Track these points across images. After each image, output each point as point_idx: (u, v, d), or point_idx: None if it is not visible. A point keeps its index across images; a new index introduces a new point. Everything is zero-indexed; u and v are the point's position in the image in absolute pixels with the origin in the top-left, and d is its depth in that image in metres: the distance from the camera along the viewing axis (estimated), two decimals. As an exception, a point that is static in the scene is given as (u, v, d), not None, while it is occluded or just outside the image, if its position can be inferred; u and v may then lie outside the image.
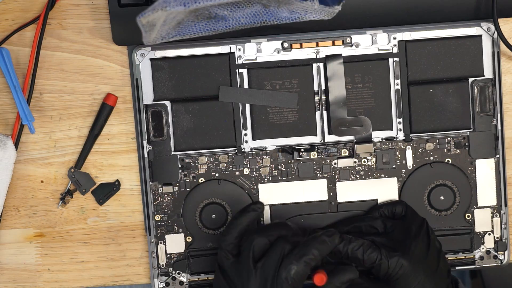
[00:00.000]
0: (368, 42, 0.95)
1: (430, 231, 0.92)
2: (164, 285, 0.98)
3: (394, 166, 0.97)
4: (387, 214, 0.95)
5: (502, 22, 0.97)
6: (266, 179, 0.97)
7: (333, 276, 0.87)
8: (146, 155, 0.96)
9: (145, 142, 0.95)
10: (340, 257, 0.90)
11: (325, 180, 0.97)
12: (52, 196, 0.98)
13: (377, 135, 0.97)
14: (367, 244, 0.89)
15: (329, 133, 0.96)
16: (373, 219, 0.94)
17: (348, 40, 0.95)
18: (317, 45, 0.95)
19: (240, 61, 0.95)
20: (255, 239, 0.88)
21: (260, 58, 0.95)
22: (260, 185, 0.97)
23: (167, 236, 0.97)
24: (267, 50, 0.95)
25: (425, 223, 0.92)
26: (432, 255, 0.91)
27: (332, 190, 0.97)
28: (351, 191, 0.97)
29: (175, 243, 0.97)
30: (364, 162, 0.97)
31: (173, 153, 0.96)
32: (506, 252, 0.98)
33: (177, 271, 0.98)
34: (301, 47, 0.95)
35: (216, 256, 0.91)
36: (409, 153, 0.97)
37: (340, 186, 0.97)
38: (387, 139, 0.97)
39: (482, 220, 0.98)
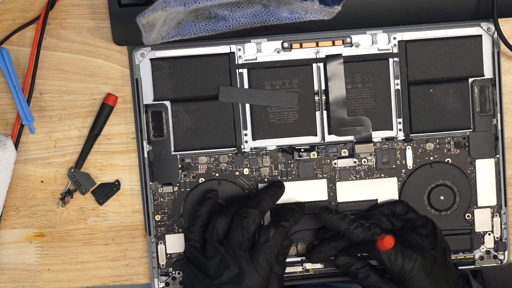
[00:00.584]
0: (368, 42, 0.95)
1: (436, 228, 0.92)
2: (164, 285, 0.98)
3: (394, 166, 0.97)
4: (387, 213, 0.95)
5: (502, 22, 0.97)
6: (266, 179, 0.97)
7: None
8: (146, 155, 0.96)
9: (145, 142, 0.95)
10: (356, 244, 0.91)
11: (325, 180, 0.97)
12: (52, 196, 0.98)
13: (377, 135, 0.97)
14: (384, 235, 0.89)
15: (329, 133, 0.96)
16: (379, 217, 0.94)
17: (348, 40, 0.95)
18: (317, 45, 0.95)
19: (240, 61, 0.95)
20: (216, 220, 0.90)
21: (260, 58, 0.95)
22: (260, 185, 0.97)
23: (167, 236, 0.97)
24: (267, 50, 0.95)
25: (431, 221, 0.92)
26: (441, 251, 0.91)
27: (332, 190, 0.97)
28: (351, 191, 0.97)
29: (175, 243, 0.97)
30: (364, 162, 0.97)
31: (173, 153, 0.96)
32: (506, 252, 0.98)
33: (177, 271, 0.98)
34: (301, 47, 0.95)
35: (184, 254, 0.94)
36: (409, 153, 0.97)
37: (340, 186, 0.97)
38: (387, 139, 0.97)
39: (482, 220, 0.98)
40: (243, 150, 0.96)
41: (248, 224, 0.89)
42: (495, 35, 0.95)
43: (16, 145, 0.96)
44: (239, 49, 0.95)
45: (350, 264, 0.91)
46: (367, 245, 0.90)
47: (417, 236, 0.90)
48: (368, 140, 0.96)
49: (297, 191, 0.97)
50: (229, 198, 0.96)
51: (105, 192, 0.98)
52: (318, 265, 0.98)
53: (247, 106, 0.96)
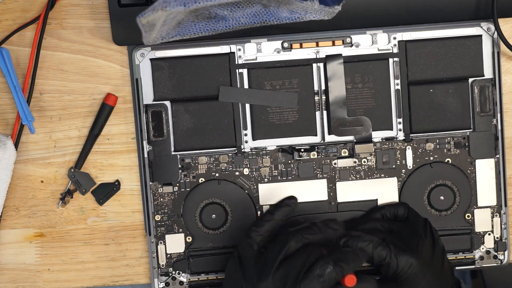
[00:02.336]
0: (368, 42, 0.95)
1: (434, 230, 0.92)
2: (164, 285, 0.98)
3: (394, 166, 0.97)
4: (389, 216, 0.95)
5: (502, 22, 0.97)
6: (266, 179, 0.97)
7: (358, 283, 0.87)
8: (146, 155, 0.96)
9: (145, 142, 0.95)
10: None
11: (325, 180, 0.97)
12: (52, 196, 0.98)
13: (377, 135, 0.97)
14: (377, 241, 0.89)
15: (329, 133, 0.96)
16: (376, 221, 0.94)
17: (348, 40, 0.95)
18: (317, 45, 0.95)
19: (240, 61, 0.95)
20: (290, 240, 0.87)
21: (260, 58, 0.95)
22: (260, 185, 0.97)
23: (167, 236, 0.97)
24: (267, 50, 0.95)
25: (428, 223, 0.92)
26: (438, 254, 0.91)
27: (332, 190, 0.97)
28: (351, 191, 0.97)
29: (175, 243, 0.97)
30: (364, 162, 0.97)
31: (173, 153, 0.96)
32: (506, 252, 0.98)
33: (177, 271, 0.98)
34: (301, 47, 0.95)
35: (237, 247, 0.90)
36: (409, 153, 0.97)
37: (340, 186, 0.97)
38: (387, 139, 0.97)
39: (482, 220, 0.98)
40: (243, 150, 0.96)
41: (314, 255, 0.86)
42: (495, 35, 0.95)
43: (16, 145, 0.96)
44: (239, 49, 0.95)
45: None
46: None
47: (414, 238, 0.90)
48: (368, 140, 0.96)
49: (297, 191, 0.97)
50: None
51: (105, 192, 0.98)
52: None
53: (247, 106, 0.96)
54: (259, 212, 0.97)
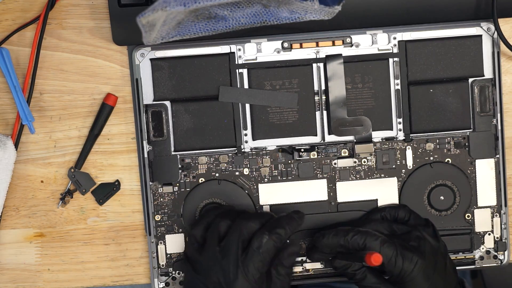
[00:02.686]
0: (368, 42, 0.95)
1: (436, 231, 0.92)
2: (164, 285, 0.98)
3: (394, 166, 0.97)
4: (389, 218, 0.95)
5: (502, 22, 0.97)
6: (266, 179, 0.97)
7: (277, 259, 0.89)
8: (146, 155, 0.96)
9: (145, 142, 0.95)
10: (356, 250, 0.90)
11: (325, 180, 0.97)
12: (52, 196, 0.98)
13: (377, 135, 0.97)
14: (384, 239, 0.89)
15: (329, 133, 0.96)
16: (377, 222, 0.93)
17: (348, 40, 0.95)
18: (317, 45, 0.95)
19: (240, 61, 0.95)
20: (219, 222, 0.90)
21: (260, 58, 0.95)
22: (260, 185, 0.97)
23: (167, 236, 0.97)
24: (267, 50, 0.95)
25: (430, 223, 0.92)
26: (441, 255, 0.91)
27: (332, 190, 0.97)
28: (351, 191, 0.97)
29: (175, 243, 0.97)
30: (364, 162, 0.97)
31: (173, 153, 0.96)
32: (506, 252, 0.98)
33: (177, 271, 0.98)
34: (301, 47, 0.95)
35: (184, 251, 0.94)
36: (409, 153, 0.97)
37: (340, 186, 0.97)
38: (387, 139, 0.97)
39: (482, 220, 0.98)
40: (243, 150, 0.96)
41: (246, 229, 0.89)
42: (495, 35, 0.95)
43: (16, 145, 0.96)
44: (239, 49, 0.95)
45: (347, 266, 0.91)
46: (359, 255, 0.90)
47: (418, 240, 0.90)
48: (368, 140, 0.96)
49: (297, 191, 0.97)
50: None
51: (105, 192, 0.98)
52: (318, 265, 0.98)
53: (247, 106, 0.96)
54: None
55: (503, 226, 0.98)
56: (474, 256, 0.98)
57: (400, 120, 0.96)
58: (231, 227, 0.90)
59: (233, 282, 0.87)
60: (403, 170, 0.97)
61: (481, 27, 0.95)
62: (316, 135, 0.96)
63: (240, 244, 0.88)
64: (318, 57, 0.95)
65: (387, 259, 0.88)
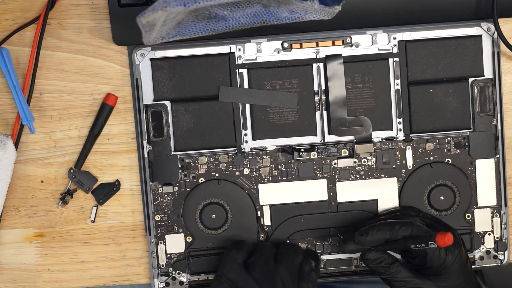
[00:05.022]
0: (368, 42, 0.95)
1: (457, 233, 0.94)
2: (164, 285, 0.98)
3: (394, 166, 0.97)
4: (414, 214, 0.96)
5: (502, 22, 0.97)
6: (266, 179, 0.97)
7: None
8: (146, 155, 0.96)
9: (145, 142, 0.95)
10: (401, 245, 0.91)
11: (325, 180, 0.97)
12: (52, 196, 0.98)
13: (377, 135, 0.97)
14: (428, 229, 0.90)
15: (329, 133, 0.96)
16: (411, 217, 0.94)
17: (348, 40, 0.95)
18: (317, 45, 0.95)
19: (240, 61, 0.95)
20: (267, 249, 0.94)
21: (260, 58, 0.95)
22: (260, 185, 0.97)
23: (167, 236, 0.97)
24: (267, 50, 0.95)
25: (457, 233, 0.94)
26: (466, 255, 0.92)
27: (332, 190, 0.97)
28: (351, 191, 0.97)
29: (175, 243, 0.97)
30: (364, 162, 0.97)
31: (173, 153, 0.96)
32: (506, 252, 0.98)
33: (177, 271, 0.98)
34: (301, 47, 0.95)
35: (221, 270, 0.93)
36: (409, 153, 0.97)
37: (340, 186, 0.97)
38: (387, 139, 0.97)
39: (482, 220, 0.98)
40: (243, 150, 0.96)
41: (295, 261, 0.93)
42: (495, 35, 0.95)
43: (16, 145, 0.96)
44: (239, 49, 0.95)
45: (381, 259, 0.91)
46: (414, 240, 0.89)
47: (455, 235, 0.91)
48: (368, 140, 0.96)
49: (297, 191, 0.97)
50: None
51: (105, 192, 0.98)
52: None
53: (247, 106, 0.96)
54: (259, 212, 0.97)
55: (503, 226, 0.98)
56: (474, 256, 0.98)
57: (400, 120, 0.96)
58: (281, 261, 0.92)
59: None
60: (403, 170, 0.97)
61: (481, 27, 0.95)
62: (316, 135, 0.96)
63: (295, 271, 0.92)
64: (318, 57, 0.95)
65: (431, 250, 0.89)
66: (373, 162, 0.97)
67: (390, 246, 0.91)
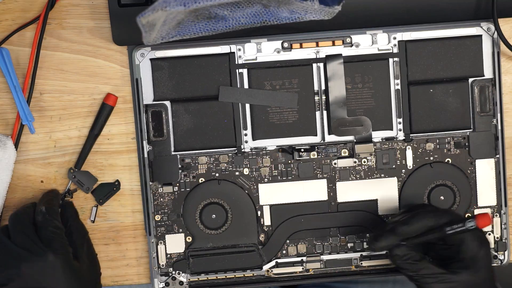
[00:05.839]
0: (368, 42, 0.95)
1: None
2: (164, 285, 0.98)
3: (394, 166, 0.97)
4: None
5: (502, 22, 0.97)
6: (266, 179, 0.97)
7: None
8: (146, 155, 0.96)
9: (145, 142, 0.95)
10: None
11: (325, 180, 0.97)
12: (52, 196, 0.98)
13: (377, 135, 0.97)
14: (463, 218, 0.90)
15: (329, 133, 0.96)
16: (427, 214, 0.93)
17: (348, 40, 0.95)
18: (317, 45, 0.95)
19: (240, 61, 0.95)
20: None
21: (260, 58, 0.95)
22: (260, 185, 0.97)
23: (167, 236, 0.97)
24: (267, 50, 0.95)
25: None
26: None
27: (332, 190, 0.97)
28: (351, 191, 0.97)
29: (175, 243, 0.97)
30: (364, 162, 0.97)
31: (173, 153, 0.96)
32: (506, 252, 0.98)
33: (177, 271, 0.98)
34: (301, 47, 0.95)
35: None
36: (409, 153, 0.97)
37: (340, 186, 0.97)
38: (387, 139, 0.97)
39: (482, 220, 0.98)
40: (243, 150, 0.96)
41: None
42: (495, 35, 0.95)
43: (16, 145, 0.96)
44: (239, 49, 0.95)
45: (409, 256, 0.90)
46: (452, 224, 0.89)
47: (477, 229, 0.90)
48: (368, 140, 0.96)
49: (297, 191, 0.97)
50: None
51: (105, 192, 0.98)
52: (318, 265, 0.98)
53: (247, 106, 0.96)
54: (259, 212, 0.97)
55: (503, 226, 0.98)
56: (474, 256, 0.98)
57: (400, 120, 0.96)
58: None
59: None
60: (403, 170, 0.97)
61: (481, 27, 0.95)
62: (316, 135, 0.96)
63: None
64: (318, 57, 0.95)
65: (467, 240, 0.88)
66: (373, 162, 0.97)
67: (426, 235, 0.89)
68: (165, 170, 0.96)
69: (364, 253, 0.97)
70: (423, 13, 0.94)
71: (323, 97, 0.96)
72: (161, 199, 0.97)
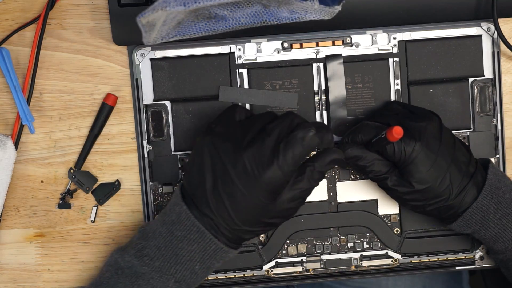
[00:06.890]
0: (368, 42, 0.95)
1: (441, 122, 0.91)
2: (164, 285, 0.98)
3: (394, 166, 0.97)
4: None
5: (502, 22, 0.97)
6: (266, 179, 0.97)
7: (317, 159, 0.86)
8: (146, 155, 0.96)
9: (145, 142, 0.96)
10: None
11: (325, 180, 0.97)
12: (52, 196, 0.98)
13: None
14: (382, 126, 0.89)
15: (329, 133, 0.96)
16: (388, 112, 0.93)
17: (348, 40, 0.95)
18: (317, 45, 0.95)
19: (240, 61, 0.95)
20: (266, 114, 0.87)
21: (260, 58, 0.95)
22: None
23: (167, 236, 0.97)
24: (267, 50, 0.95)
25: (436, 116, 0.91)
26: (447, 135, 0.89)
27: (332, 190, 0.97)
28: (351, 191, 0.97)
29: (175, 243, 0.97)
30: (364, 162, 0.97)
31: (173, 153, 0.96)
32: (506, 252, 0.98)
33: (177, 271, 0.98)
34: (301, 47, 0.95)
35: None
36: (409, 153, 0.97)
37: (340, 186, 0.97)
38: (387, 139, 0.97)
39: (482, 220, 0.98)
40: (243, 150, 0.96)
41: (293, 120, 0.85)
42: (495, 35, 0.95)
43: (16, 145, 0.96)
44: (239, 49, 0.95)
45: (358, 158, 0.89)
46: (377, 143, 0.88)
47: (419, 124, 0.88)
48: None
49: (297, 191, 0.97)
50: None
51: (105, 192, 0.98)
52: (318, 265, 0.98)
53: (247, 106, 0.96)
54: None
55: (503, 226, 0.98)
56: (474, 256, 0.98)
57: (400, 120, 0.96)
58: (278, 117, 0.85)
59: (265, 167, 0.82)
60: (403, 170, 0.97)
61: (481, 27, 0.95)
62: (316, 135, 0.96)
63: (285, 130, 0.83)
64: (318, 57, 0.95)
65: (389, 147, 0.87)
66: (373, 162, 0.97)
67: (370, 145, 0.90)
68: (165, 170, 0.96)
69: (364, 253, 0.97)
70: (423, 13, 0.94)
71: (323, 97, 0.96)
72: (161, 199, 0.97)
